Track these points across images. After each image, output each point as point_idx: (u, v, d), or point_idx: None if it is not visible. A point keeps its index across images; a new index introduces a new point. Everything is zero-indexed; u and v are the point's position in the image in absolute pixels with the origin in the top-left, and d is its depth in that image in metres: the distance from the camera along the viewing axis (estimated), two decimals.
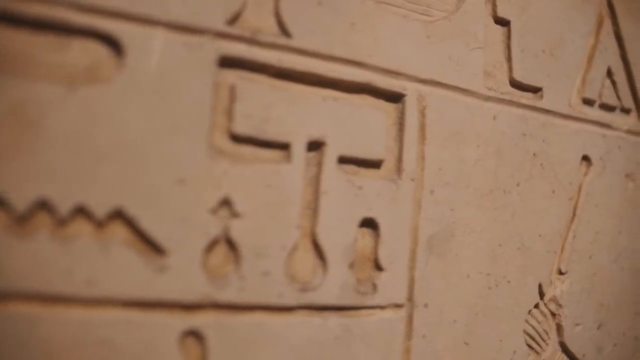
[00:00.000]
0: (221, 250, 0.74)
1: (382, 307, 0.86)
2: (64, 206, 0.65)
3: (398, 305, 0.87)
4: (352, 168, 0.85)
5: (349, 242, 0.83)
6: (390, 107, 0.90)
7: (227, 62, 0.76)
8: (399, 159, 0.89)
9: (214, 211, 0.73)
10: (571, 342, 1.10)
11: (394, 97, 0.90)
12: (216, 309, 0.73)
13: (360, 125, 0.85)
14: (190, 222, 0.71)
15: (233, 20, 0.77)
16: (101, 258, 0.67)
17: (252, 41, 0.78)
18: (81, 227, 0.66)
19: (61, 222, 0.65)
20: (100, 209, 0.67)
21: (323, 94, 0.83)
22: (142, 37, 0.70)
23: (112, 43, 0.69)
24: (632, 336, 1.20)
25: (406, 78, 0.90)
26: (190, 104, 0.73)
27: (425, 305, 0.90)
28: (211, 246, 0.73)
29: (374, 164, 0.87)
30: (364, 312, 0.84)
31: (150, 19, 0.71)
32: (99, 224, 0.67)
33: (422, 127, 0.91)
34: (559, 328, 1.09)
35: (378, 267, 0.86)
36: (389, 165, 0.88)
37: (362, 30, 0.87)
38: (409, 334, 0.89)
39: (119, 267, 0.68)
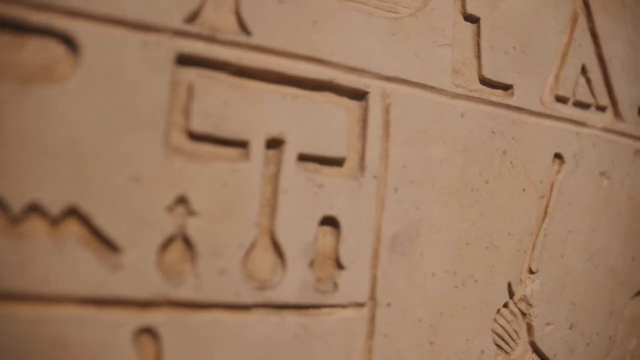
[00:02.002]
0: (177, 248, 0.77)
1: (343, 306, 0.89)
2: (17, 204, 0.68)
3: (359, 304, 0.90)
4: (313, 166, 0.88)
5: (309, 240, 0.85)
6: (353, 104, 0.93)
7: (185, 61, 0.79)
8: (362, 157, 0.92)
9: (169, 209, 0.76)
10: (542, 342, 1.13)
11: (358, 95, 0.93)
12: (171, 307, 0.76)
13: (321, 123, 0.88)
14: (145, 220, 0.74)
15: (191, 18, 0.80)
16: (55, 255, 0.70)
17: (211, 39, 0.81)
18: (35, 225, 0.69)
19: (14, 220, 0.68)
20: (54, 207, 0.70)
21: (283, 92, 0.86)
22: (98, 35, 0.73)
23: (68, 42, 0.72)
24: (605, 336, 1.24)
25: (370, 75, 0.93)
26: (146, 103, 0.75)
27: (388, 305, 0.93)
28: (167, 244, 0.76)
29: (336, 162, 0.90)
30: (324, 311, 0.87)
31: (106, 18, 0.73)
32: (53, 222, 0.70)
33: (386, 125, 0.94)
34: (529, 328, 1.12)
35: (339, 266, 0.89)
36: (352, 163, 0.91)
37: (324, 27, 0.90)
38: (370, 333, 0.92)
39: (73, 265, 0.71)
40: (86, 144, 0.71)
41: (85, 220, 0.72)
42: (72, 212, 0.71)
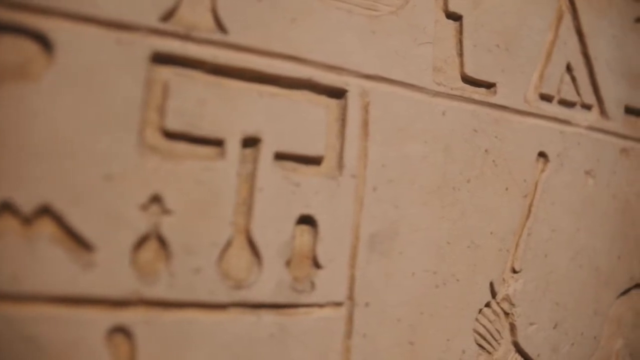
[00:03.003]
0: (151, 246, 0.78)
1: (320, 306, 0.90)
2: None
3: (337, 304, 0.92)
4: (290, 165, 0.89)
5: (285, 239, 0.87)
6: (332, 103, 0.94)
7: (161, 59, 0.81)
8: (341, 156, 0.93)
9: (143, 207, 0.77)
10: (525, 342, 1.15)
11: (336, 93, 0.94)
12: (145, 306, 0.77)
13: (299, 121, 0.89)
14: (119, 219, 0.76)
15: (167, 16, 0.81)
16: (27, 254, 0.71)
17: (186, 37, 0.82)
18: (7, 224, 0.71)
19: None
20: (27, 206, 0.71)
21: (260, 90, 0.87)
22: (72, 34, 0.74)
23: (42, 40, 0.73)
24: (590, 336, 1.25)
25: (349, 74, 0.95)
26: (120, 101, 0.77)
27: (367, 304, 0.95)
28: (141, 242, 0.77)
29: (314, 161, 0.91)
30: (301, 310, 0.88)
31: (80, 16, 0.75)
32: (26, 221, 0.71)
33: (365, 124, 0.95)
34: (512, 327, 1.13)
35: (316, 265, 0.90)
36: (330, 162, 0.93)
37: (303, 25, 0.91)
38: (348, 333, 0.93)
39: (46, 263, 0.72)
40: (60, 142, 0.73)
41: (58, 219, 0.73)
42: (45, 211, 0.72)
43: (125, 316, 0.76)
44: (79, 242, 0.74)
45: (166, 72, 0.81)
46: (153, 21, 0.80)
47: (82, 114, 0.74)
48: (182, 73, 0.82)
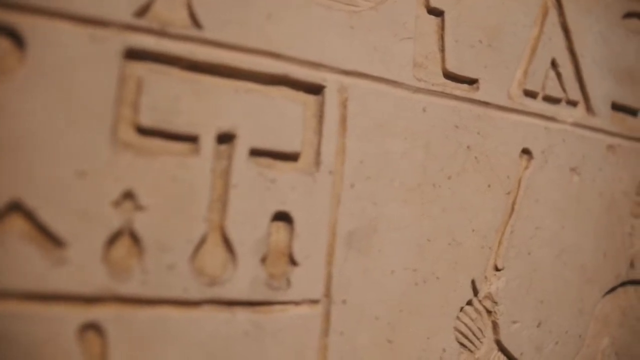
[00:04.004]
0: (124, 243, 0.79)
1: (296, 303, 0.91)
2: None
3: (314, 301, 0.93)
4: (266, 161, 0.90)
5: (260, 236, 0.88)
6: (310, 99, 0.95)
7: (135, 55, 0.82)
8: (318, 152, 0.94)
9: (116, 204, 0.79)
10: (508, 340, 1.16)
11: (314, 89, 0.95)
12: (118, 303, 0.78)
13: (275, 117, 0.91)
14: (90, 215, 0.77)
15: (141, 12, 0.82)
16: None
17: (161, 33, 0.84)
18: None
19: None
20: None
21: (236, 86, 0.89)
22: (44, 29, 0.75)
23: (14, 36, 0.74)
24: (575, 334, 1.26)
25: (327, 69, 0.96)
26: (93, 97, 0.78)
27: (344, 302, 0.96)
28: (113, 239, 0.78)
29: (290, 157, 0.92)
30: (276, 307, 0.90)
31: (52, 12, 0.76)
32: None
33: (343, 119, 0.97)
34: (495, 326, 1.15)
35: (292, 262, 0.91)
36: (307, 158, 0.94)
37: (279, 21, 0.92)
38: (325, 331, 0.94)
39: (16, 260, 0.73)
40: (31, 138, 0.74)
41: (29, 215, 0.74)
42: (16, 207, 0.73)
43: (97, 313, 0.77)
44: (50, 238, 0.75)
45: (140, 68, 0.83)
46: (127, 17, 0.81)
47: (54, 110, 0.75)
48: (157, 69, 0.84)
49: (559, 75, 1.25)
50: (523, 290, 1.18)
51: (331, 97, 0.96)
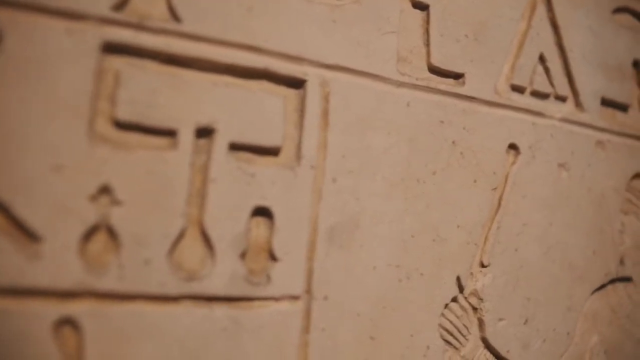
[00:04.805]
0: (100, 238, 0.80)
1: (276, 299, 0.92)
2: None
3: (294, 297, 0.94)
4: (245, 155, 0.91)
5: (240, 231, 0.89)
6: (291, 93, 0.96)
7: (112, 49, 0.83)
8: (299, 147, 0.95)
9: (93, 198, 0.79)
10: (494, 338, 1.17)
11: (295, 83, 0.96)
12: (94, 298, 0.79)
13: (255, 111, 0.91)
14: (66, 209, 0.78)
15: (119, 5, 0.83)
16: None
17: (139, 27, 0.85)
18: None
19: None
20: None
21: (215, 80, 0.89)
22: (21, 23, 0.76)
23: None
24: (563, 332, 1.27)
25: (308, 63, 0.97)
26: (70, 91, 0.79)
27: (325, 298, 0.97)
28: (89, 234, 0.79)
29: (271, 151, 0.93)
30: (255, 303, 0.90)
31: (28, 5, 0.77)
32: None
33: (325, 114, 0.97)
34: (481, 323, 1.15)
35: (273, 258, 0.92)
36: (288, 152, 0.95)
37: (260, 15, 0.93)
38: (306, 328, 0.95)
39: None
40: (7, 132, 0.75)
41: (4, 209, 0.75)
42: None
43: (72, 308, 0.78)
44: (25, 233, 0.76)
45: (118, 62, 0.84)
46: (104, 10, 0.82)
47: (30, 103, 0.76)
48: (135, 63, 0.85)
49: (547, 70, 1.26)
50: (510, 287, 1.19)
51: (313, 91, 0.97)
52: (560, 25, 1.27)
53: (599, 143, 1.33)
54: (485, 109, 1.16)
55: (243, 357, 0.89)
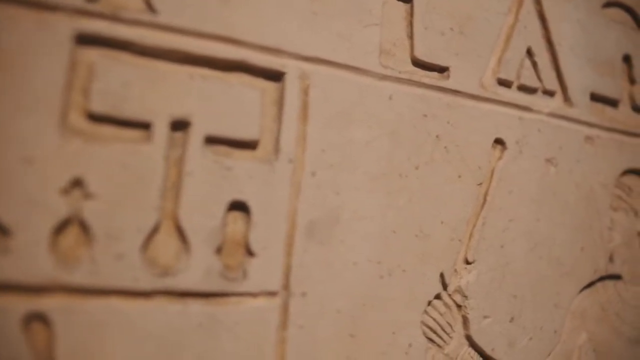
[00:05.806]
0: (72, 232, 0.81)
1: (253, 295, 0.92)
2: None
3: (271, 293, 0.94)
4: (222, 149, 0.91)
5: (215, 225, 0.89)
6: (269, 85, 0.97)
7: (86, 40, 0.83)
8: (277, 140, 0.95)
9: (64, 191, 0.80)
10: (479, 336, 1.17)
11: (274, 76, 0.96)
12: (65, 293, 0.80)
13: (232, 104, 0.92)
14: (37, 203, 0.78)
15: None
16: None
17: (114, 18, 0.85)
18: None
19: None
20: None
21: (191, 72, 0.90)
22: None
23: None
24: (550, 330, 1.27)
25: (287, 56, 0.97)
26: (41, 83, 0.79)
27: (304, 294, 0.97)
28: (61, 228, 0.80)
29: (248, 145, 0.93)
30: (232, 299, 0.91)
31: None
32: None
33: (305, 107, 0.98)
34: (465, 320, 1.15)
35: (249, 253, 0.92)
36: (266, 146, 0.95)
37: (237, 6, 0.93)
38: (284, 324, 0.95)
39: None
40: None
41: None
42: None
43: (43, 303, 0.78)
44: None
45: (92, 54, 0.84)
46: (78, 1, 0.83)
47: (1, 95, 0.77)
48: (109, 54, 0.85)
49: (534, 65, 1.26)
50: (495, 284, 1.19)
51: (292, 83, 0.97)
52: (549, 19, 1.27)
53: (588, 138, 1.34)
54: (470, 102, 1.16)
55: (219, 354, 0.89)
